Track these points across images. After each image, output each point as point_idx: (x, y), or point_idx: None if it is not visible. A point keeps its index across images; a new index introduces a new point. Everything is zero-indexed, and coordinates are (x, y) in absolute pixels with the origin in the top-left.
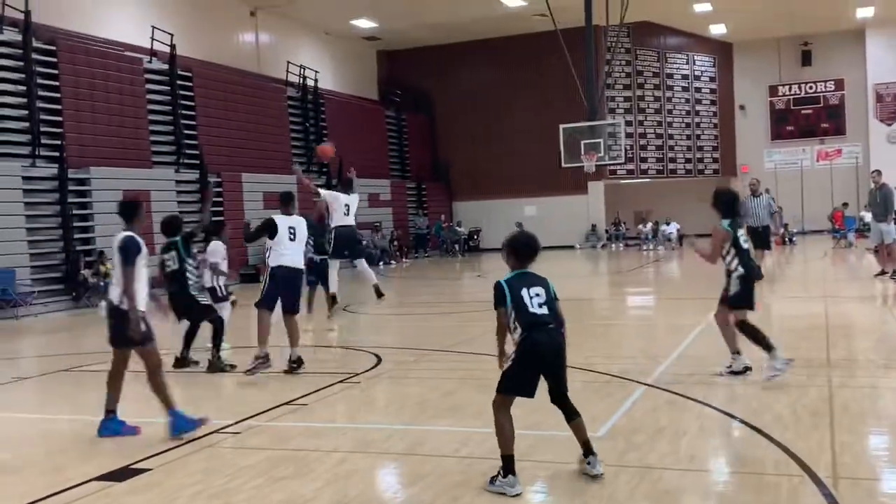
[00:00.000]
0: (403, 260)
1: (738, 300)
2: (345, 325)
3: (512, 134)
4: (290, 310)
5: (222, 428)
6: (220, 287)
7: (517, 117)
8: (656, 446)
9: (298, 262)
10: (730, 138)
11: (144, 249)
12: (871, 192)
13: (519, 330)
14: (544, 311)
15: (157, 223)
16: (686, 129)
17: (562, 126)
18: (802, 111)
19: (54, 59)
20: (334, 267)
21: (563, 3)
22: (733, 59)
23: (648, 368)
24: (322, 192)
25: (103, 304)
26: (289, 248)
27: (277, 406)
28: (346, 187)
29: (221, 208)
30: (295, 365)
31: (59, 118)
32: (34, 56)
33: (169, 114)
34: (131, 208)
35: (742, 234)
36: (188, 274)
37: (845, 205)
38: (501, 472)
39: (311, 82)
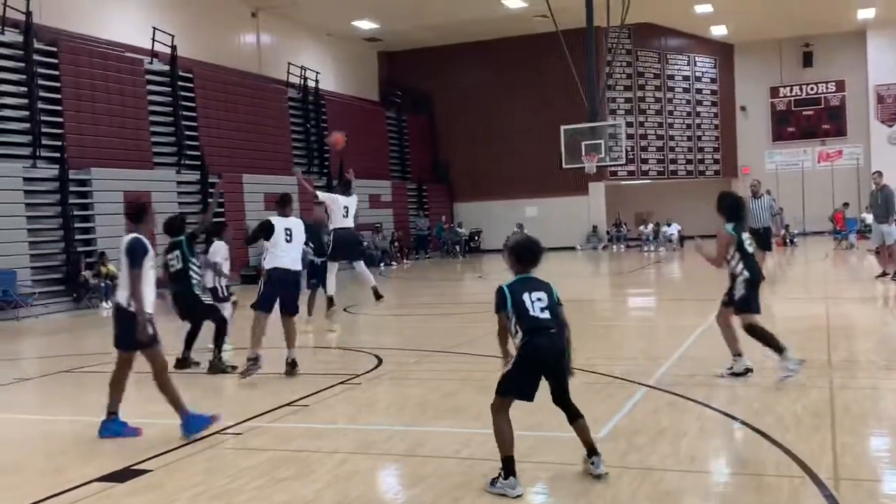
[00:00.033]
0: (404, 261)
1: (744, 304)
2: (345, 326)
3: (513, 135)
4: (289, 311)
5: (223, 429)
6: (221, 287)
7: (518, 118)
8: (657, 447)
9: (295, 264)
10: (731, 139)
11: (151, 251)
12: (873, 193)
13: (520, 334)
14: (546, 315)
15: (158, 224)
16: (687, 130)
17: (563, 127)
18: (803, 112)
19: (55, 61)
20: (332, 270)
21: (563, 4)
22: (734, 61)
23: (649, 370)
24: (320, 194)
25: (104, 304)
26: (285, 249)
27: (279, 407)
28: (345, 189)
29: (222, 209)
30: (290, 367)
31: (61, 119)
32: (35, 57)
33: (170, 115)
34: (138, 210)
35: (747, 237)
36: (192, 273)
37: (846, 205)
38: (502, 473)
39: (311, 83)
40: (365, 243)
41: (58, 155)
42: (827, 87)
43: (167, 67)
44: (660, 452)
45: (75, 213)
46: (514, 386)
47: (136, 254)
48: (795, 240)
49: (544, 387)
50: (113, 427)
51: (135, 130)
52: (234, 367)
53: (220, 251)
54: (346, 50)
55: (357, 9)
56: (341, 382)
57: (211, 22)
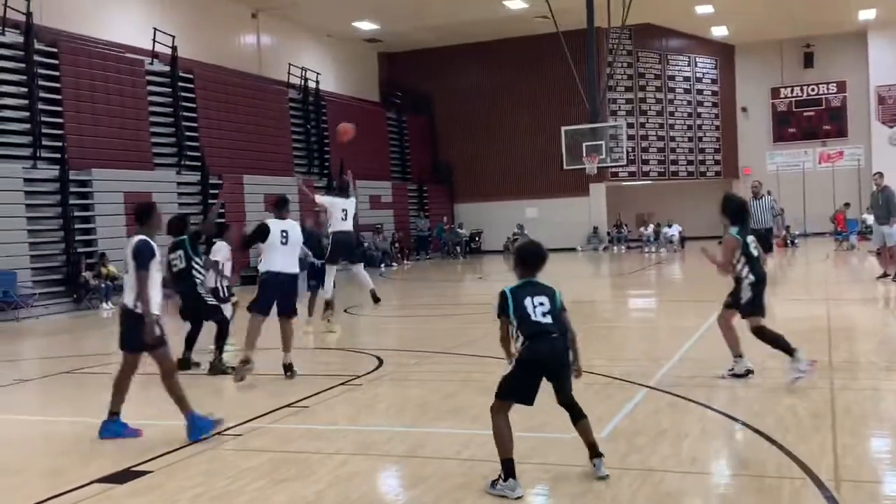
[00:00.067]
0: (405, 262)
1: (750, 307)
2: (346, 327)
3: (513, 136)
4: (286, 314)
5: (224, 430)
6: (222, 288)
7: (519, 119)
8: (658, 448)
9: (291, 267)
10: (732, 140)
11: (158, 253)
12: (874, 194)
13: (521, 338)
14: (548, 320)
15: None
16: (688, 131)
17: (563, 128)
18: (804, 113)
19: (56, 61)
20: (331, 273)
21: (564, 5)
22: (735, 61)
23: (650, 371)
24: (318, 198)
25: (105, 305)
26: (280, 252)
27: (279, 408)
28: (343, 192)
29: (223, 210)
30: (287, 372)
31: (61, 120)
32: (36, 58)
33: (170, 116)
34: (146, 212)
35: (752, 240)
36: (195, 273)
37: (847, 205)
38: (502, 475)
39: (312, 84)
40: (365, 244)
41: (58, 156)
42: (828, 88)
43: (167, 68)
44: (660, 453)
45: (76, 213)
46: (514, 390)
47: (143, 256)
48: (796, 241)
49: (545, 389)
50: (113, 428)
51: (135, 131)
52: (234, 368)
53: (221, 251)
54: (347, 51)
55: (357, 10)
56: (342, 383)
57: (211, 23)
